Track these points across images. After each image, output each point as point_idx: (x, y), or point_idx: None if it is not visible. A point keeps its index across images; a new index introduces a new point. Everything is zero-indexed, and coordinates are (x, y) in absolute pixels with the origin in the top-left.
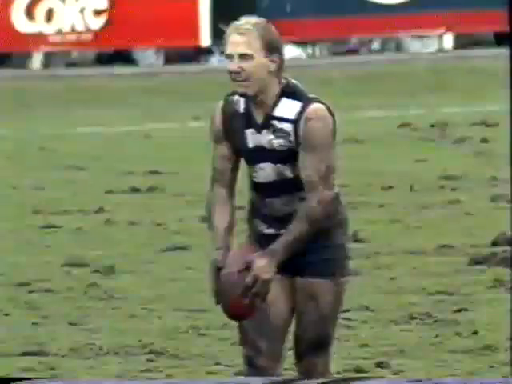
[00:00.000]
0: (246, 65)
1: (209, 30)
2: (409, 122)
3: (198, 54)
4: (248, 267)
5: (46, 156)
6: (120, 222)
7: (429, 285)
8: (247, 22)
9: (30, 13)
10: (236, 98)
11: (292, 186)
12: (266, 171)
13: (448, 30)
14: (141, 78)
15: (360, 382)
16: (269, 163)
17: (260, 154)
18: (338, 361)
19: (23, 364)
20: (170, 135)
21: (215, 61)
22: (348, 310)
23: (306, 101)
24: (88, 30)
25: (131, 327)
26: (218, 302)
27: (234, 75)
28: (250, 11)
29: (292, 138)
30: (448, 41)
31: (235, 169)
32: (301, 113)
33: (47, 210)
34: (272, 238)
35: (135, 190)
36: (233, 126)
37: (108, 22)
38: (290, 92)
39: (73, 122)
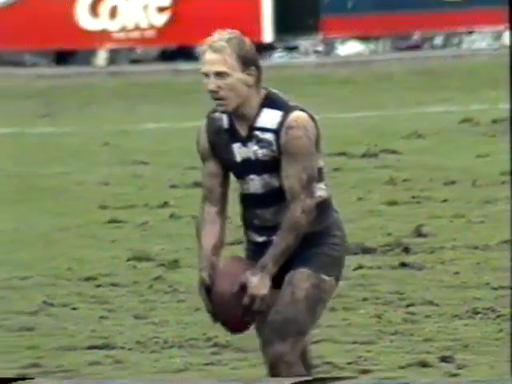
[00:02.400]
0: (223, 82)
1: (271, 26)
2: (471, 118)
3: (261, 50)
4: (243, 287)
5: (111, 152)
6: (184, 217)
7: (492, 279)
8: (221, 38)
9: (94, 10)
10: (218, 114)
11: (280, 196)
12: (255, 183)
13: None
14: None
15: (336, 383)
16: (256, 175)
17: (248, 166)
18: (402, 355)
19: (90, 358)
20: None
21: (277, 57)
22: (412, 305)
23: (286, 109)
24: (151, 27)
25: (196, 320)
26: (215, 321)
27: (213, 94)
28: (313, 8)
29: (274, 148)
30: (507, 37)
31: (224, 185)
32: (281, 122)
33: (113, 205)
34: (265, 245)
35: (199, 184)
36: (219, 143)
37: (171, 19)
38: (270, 102)
39: (137, 118)
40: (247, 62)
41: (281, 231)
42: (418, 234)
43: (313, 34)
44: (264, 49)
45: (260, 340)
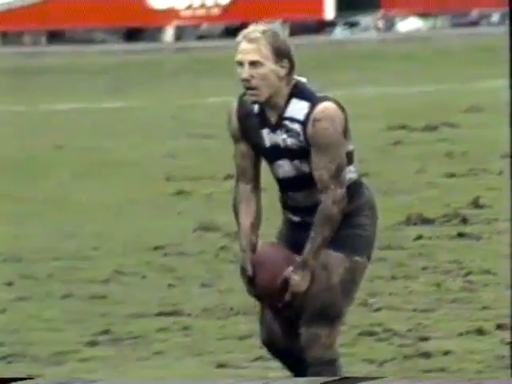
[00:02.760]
0: (256, 72)
1: (333, 3)
2: None
3: (323, 26)
4: (285, 281)
5: (178, 125)
6: None
7: None
8: (255, 29)
9: None
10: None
11: (311, 180)
12: (285, 168)
13: None
14: None
15: (365, 382)
16: (286, 160)
17: (277, 152)
18: (460, 322)
19: (158, 324)
20: None
21: (338, 32)
22: (470, 273)
23: (314, 101)
24: (217, 5)
25: None
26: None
27: (245, 83)
28: None
29: (302, 138)
30: None
31: (256, 165)
32: (308, 114)
33: (179, 177)
34: (299, 225)
35: None
36: (249, 126)
37: None
38: (298, 92)
39: (203, 92)
40: (280, 54)
41: (316, 225)
42: (475, 205)
43: (373, 11)
44: (326, 25)
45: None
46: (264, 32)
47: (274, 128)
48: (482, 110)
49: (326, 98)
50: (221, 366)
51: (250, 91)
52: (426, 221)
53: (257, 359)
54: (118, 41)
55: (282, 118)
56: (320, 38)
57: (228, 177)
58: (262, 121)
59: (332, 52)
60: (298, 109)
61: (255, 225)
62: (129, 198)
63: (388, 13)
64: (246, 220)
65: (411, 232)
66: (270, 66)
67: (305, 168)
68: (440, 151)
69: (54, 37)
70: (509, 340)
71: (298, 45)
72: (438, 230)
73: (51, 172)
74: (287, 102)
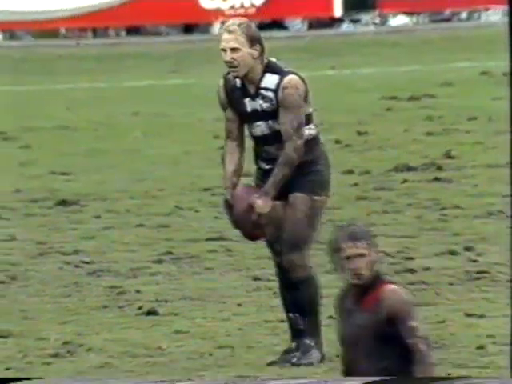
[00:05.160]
0: (235, 55)
1: (340, 4)
2: (487, 71)
3: (333, 22)
4: (251, 207)
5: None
6: None
7: (502, 189)
8: (233, 23)
9: None
10: (232, 76)
11: (280, 136)
12: (262, 127)
13: None
14: (290, 39)
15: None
16: (263, 121)
17: (256, 115)
18: (436, 246)
19: (209, 247)
20: (312, 81)
21: (345, 27)
22: (444, 208)
23: (282, 74)
24: (252, 6)
25: None
26: (236, 228)
27: (228, 64)
28: None
29: (274, 102)
30: None
31: (240, 127)
32: (279, 84)
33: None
34: (270, 171)
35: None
36: (234, 97)
37: (267, 0)
38: (270, 68)
39: None
40: (253, 40)
41: (278, 165)
42: (448, 156)
43: (372, 10)
44: (335, 21)
45: (272, 250)
46: (239, 25)
47: (253, 97)
48: (454, 85)
49: (291, 72)
50: (256, 279)
51: (232, 69)
52: (410, 168)
53: None
54: (177, 33)
55: (258, 88)
56: (331, 31)
57: None
58: (244, 92)
59: (340, 41)
60: (270, 80)
61: (237, 170)
62: (186, 151)
63: (382, 12)
64: (230, 167)
65: (399, 177)
66: (245, 50)
67: (276, 126)
68: (422, 116)
69: (131, 30)
70: (473, 259)
71: (316, 36)
72: (419, 175)
73: (129, 132)
74: (262, 76)
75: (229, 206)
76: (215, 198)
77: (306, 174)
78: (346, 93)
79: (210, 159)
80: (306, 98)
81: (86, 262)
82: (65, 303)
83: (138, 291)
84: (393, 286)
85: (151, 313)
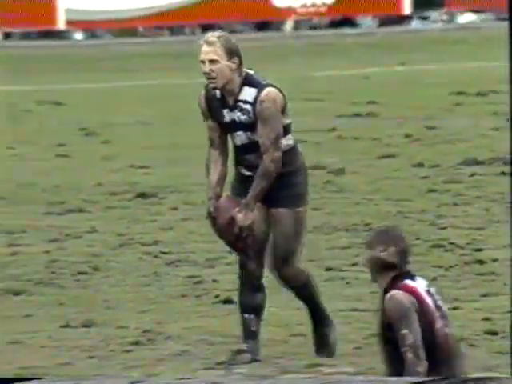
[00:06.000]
0: (214, 67)
1: (409, 1)
2: None
3: (402, 19)
4: (232, 220)
5: (295, 91)
6: (347, 138)
7: None
8: (213, 35)
9: None
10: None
11: (259, 146)
12: (241, 137)
13: None
14: (361, 36)
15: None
16: (241, 131)
17: (234, 126)
18: (504, 238)
19: None
20: (382, 76)
21: (414, 24)
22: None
23: (260, 87)
24: (324, 4)
25: (356, 211)
26: (221, 239)
27: (206, 75)
28: None
29: (251, 115)
30: None
31: (222, 135)
32: (256, 97)
33: (297, 129)
34: (251, 178)
35: (358, 114)
36: (214, 107)
37: None
38: (248, 81)
39: (315, 68)
40: (231, 53)
41: (256, 177)
42: None
43: (440, 8)
44: (404, 18)
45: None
46: (219, 37)
47: (231, 108)
48: None
49: (268, 85)
50: (328, 269)
51: (210, 80)
52: (478, 162)
53: (354, 264)
54: (251, 30)
55: (236, 100)
56: (401, 28)
57: (333, 129)
58: (223, 103)
59: (409, 38)
60: (248, 93)
61: (220, 180)
62: None
63: (450, 9)
64: (214, 176)
65: (467, 170)
66: (224, 63)
67: (255, 137)
68: (489, 111)
69: (206, 28)
70: None
71: (386, 32)
72: (487, 169)
73: (204, 126)
74: (240, 89)
75: (212, 217)
76: None
77: (287, 186)
78: (415, 88)
79: None
80: (283, 110)
81: (165, 253)
82: (144, 292)
83: (214, 280)
84: (393, 292)
85: (228, 301)
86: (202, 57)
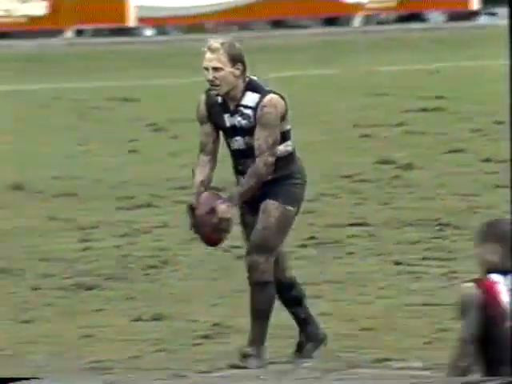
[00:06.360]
0: (217, 75)
1: None
2: None
3: (471, 15)
4: (213, 210)
5: (362, 86)
6: (415, 132)
7: None
8: (216, 41)
9: None
10: (213, 92)
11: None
12: (240, 142)
13: None
14: (430, 31)
15: None
16: (240, 136)
17: (234, 131)
18: None
19: (350, 232)
20: (450, 71)
21: (482, 19)
22: None
23: (262, 93)
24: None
25: (424, 206)
26: (195, 233)
27: (210, 82)
28: None
29: (252, 120)
30: None
31: (215, 142)
32: (258, 102)
33: (363, 124)
34: None
35: (425, 109)
36: (214, 112)
37: None
38: (251, 87)
39: (382, 62)
40: (235, 60)
41: (247, 176)
42: None
43: (507, 5)
44: (472, 14)
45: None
46: (222, 44)
47: (232, 113)
48: None
49: (271, 91)
50: (397, 263)
51: (213, 87)
52: None
53: (424, 258)
54: (318, 26)
55: (238, 105)
56: (469, 23)
57: (401, 124)
58: (224, 108)
59: (477, 34)
60: (251, 99)
61: (204, 181)
62: (327, 139)
63: None
64: (199, 177)
65: None
66: (227, 70)
67: (252, 142)
68: None
69: (275, 24)
70: None
71: (454, 27)
72: None
73: None
74: (243, 94)
75: (191, 208)
76: (355, 184)
77: (280, 185)
78: (484, 83)
79: (350, 147)
80: (284, 116)
81: (235, 247)
82: (213, 286)
83: None
84: (463, 284)
85: None
86: (206, 64)
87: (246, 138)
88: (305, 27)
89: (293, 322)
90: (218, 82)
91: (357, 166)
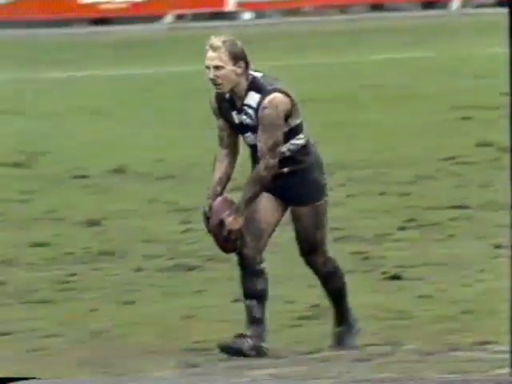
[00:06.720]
0: (218, 73)
1: None
2: None
3: None
4: (222, 223)
5: (460, 69)
6: (473, 118)
7: None
8: (218, 39)
9: None
10: None
11: None
12: (251, 137)
13: None
14: None
15: None
16: (250, 132)
17: (243, 127)
18: None
19: (450, 214)
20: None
21: None
22: None
23: (264, 93)
24: None
25: None
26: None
27: (212, 81)
28: None
29: (254, 119)
30: None
31: (231, 136)
32: (259, 102)
33: (461, 106)
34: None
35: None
36: (224, 108)
37: None
38: (254, 86)
39: (479, 46)
40: (237, 58)
41: (249, 182)
42: None
43: None
44: None
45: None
46: (224, 42)
47: (239, 111)
48: None
49: (274, 90)
50: (497, 246)
51: (216, 86)
52: None
53: None
54: (416, 8)
55: (243, 104)
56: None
57: (498, 107)
58: (232, 105)
59: None
60: (253, 99)
61: (222, 179)
62: (425, 121)
63: None
64: (216, 175)
65: None
66: (229, 68)
67: None
68: None
69: (374, 7)
70: None
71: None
72: None
73: (370, 104)
74: (246, 94)
75: (206, 217)
76: (454, 167)
77: (302, 184)
78: None
79: (448, 129)
80: (290, 113)
81: (333, 229)
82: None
83: (382, 257)
84: None
85: (395, 277)
86: (207, 63)
87: (256, 134)
88: (403, 10)
89: (396, 305)
90: (219, 81)
91: (457, 149)
